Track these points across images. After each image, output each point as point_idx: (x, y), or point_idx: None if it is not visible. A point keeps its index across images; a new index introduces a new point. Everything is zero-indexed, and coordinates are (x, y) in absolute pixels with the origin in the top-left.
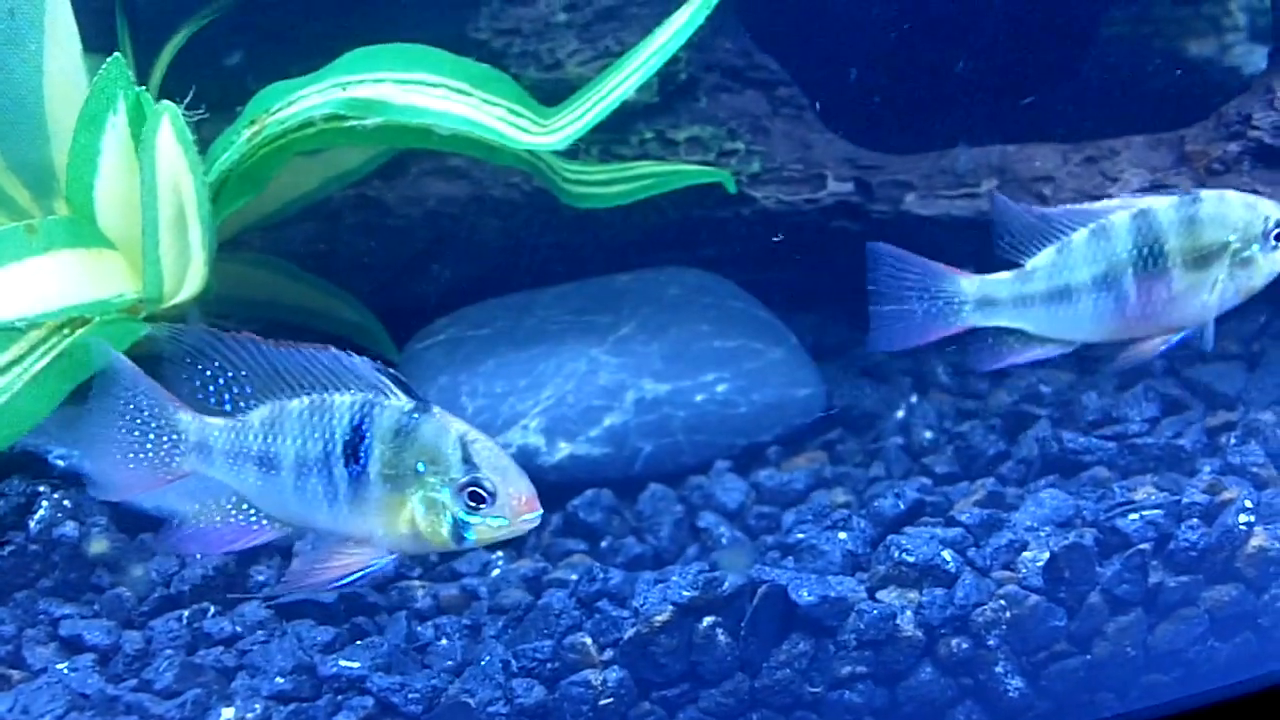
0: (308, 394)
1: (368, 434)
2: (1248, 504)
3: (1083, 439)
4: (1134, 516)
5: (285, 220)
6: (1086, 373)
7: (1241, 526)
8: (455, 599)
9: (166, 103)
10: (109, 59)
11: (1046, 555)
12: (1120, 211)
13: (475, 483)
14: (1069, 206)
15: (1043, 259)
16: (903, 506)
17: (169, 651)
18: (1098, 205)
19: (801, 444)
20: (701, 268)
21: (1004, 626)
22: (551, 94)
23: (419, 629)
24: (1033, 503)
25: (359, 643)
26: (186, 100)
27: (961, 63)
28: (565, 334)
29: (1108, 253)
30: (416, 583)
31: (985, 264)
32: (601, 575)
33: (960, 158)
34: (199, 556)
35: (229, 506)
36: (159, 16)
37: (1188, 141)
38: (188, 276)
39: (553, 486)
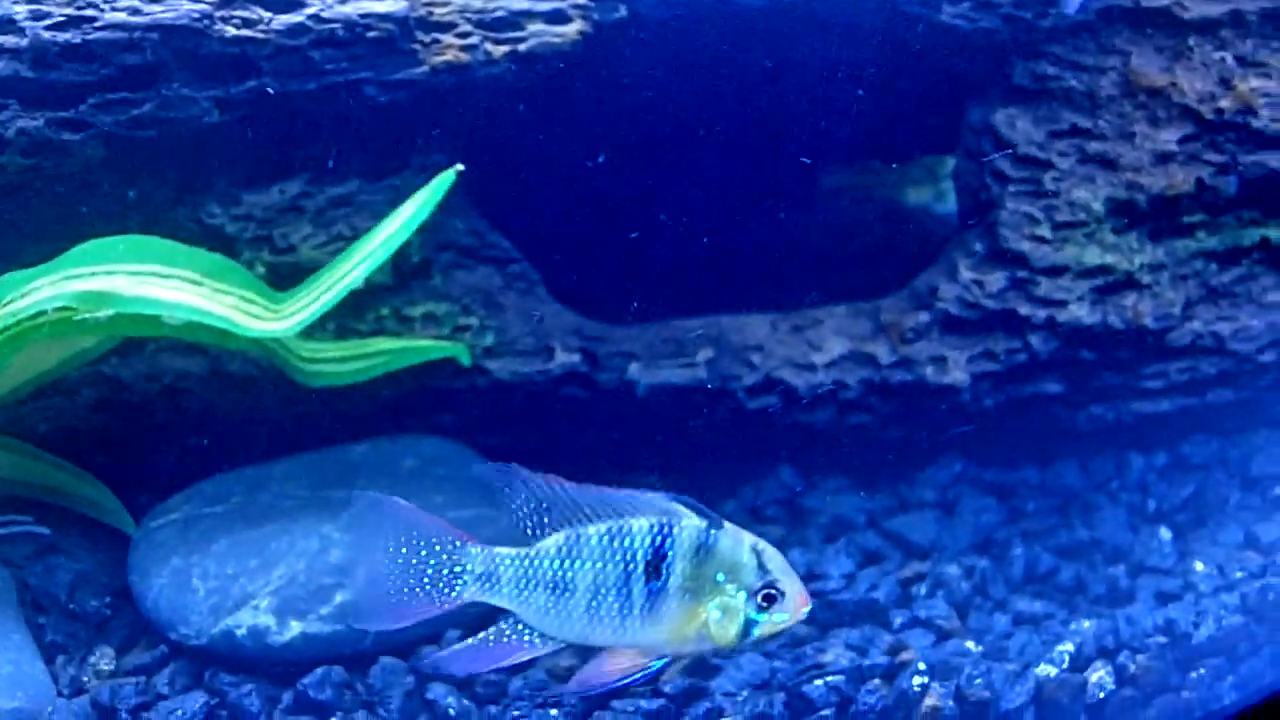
0: (602, 522)
1: (669, 552)
2: (921, 665)
3: None
4: (819, 681)
5: (20, 399)
6: (797, 525)
7: (916, 688)
8: None
9: None
10: None
11: None
12: None
13: (771, 585)
14: None
15: None
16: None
17: None
18: None
19: None
20: (442, 435)
21: None
22: (287, 277)
23: None
24: (734, 666)
25: None
26: None
27: (680, 237)
28: (299, 510)
29: None
30: None
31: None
32: None
33: None
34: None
35: (504, 628)
36: None
37: (883, 312)
38: None
39: (284, 666)
